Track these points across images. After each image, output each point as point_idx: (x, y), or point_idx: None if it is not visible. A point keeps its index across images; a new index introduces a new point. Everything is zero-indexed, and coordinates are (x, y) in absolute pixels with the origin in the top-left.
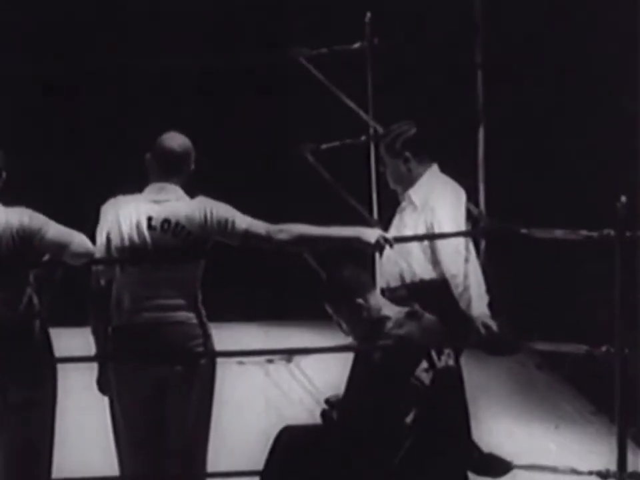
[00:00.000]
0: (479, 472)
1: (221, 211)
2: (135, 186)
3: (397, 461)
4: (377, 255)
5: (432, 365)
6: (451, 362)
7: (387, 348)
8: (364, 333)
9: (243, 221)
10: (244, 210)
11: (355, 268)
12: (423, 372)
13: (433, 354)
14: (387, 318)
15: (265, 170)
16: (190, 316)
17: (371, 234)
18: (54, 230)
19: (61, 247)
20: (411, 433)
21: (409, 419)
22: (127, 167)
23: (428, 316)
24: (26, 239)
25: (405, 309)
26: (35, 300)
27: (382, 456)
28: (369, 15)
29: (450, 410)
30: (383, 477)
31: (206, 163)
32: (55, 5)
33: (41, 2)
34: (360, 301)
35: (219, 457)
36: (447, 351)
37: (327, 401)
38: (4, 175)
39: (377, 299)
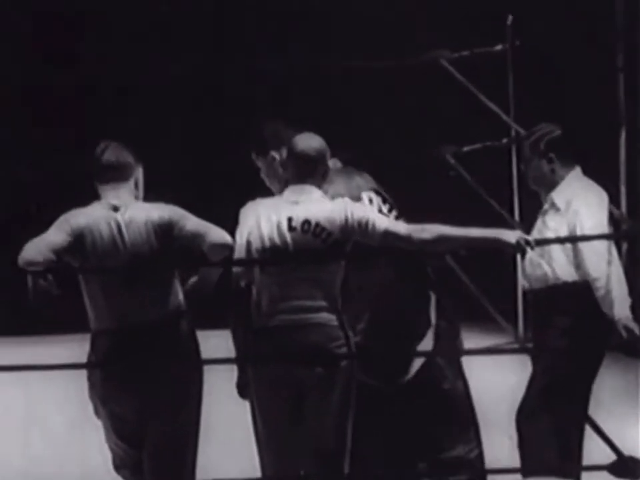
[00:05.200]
0: (617, 474)
1: (361, 212)
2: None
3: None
4: (519, 257)
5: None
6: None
7: None
8: None
9: (382, 221)
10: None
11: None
12: None
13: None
14: None
15: (405, 172)
16: (331, 318)
17: (512, 235)
18: (192, 222)
19: (199, 238)
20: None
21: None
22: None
23: None
24: (166, 232)
25: None
26: (182, 298)
27: None
28: (510, 17)
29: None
30: None
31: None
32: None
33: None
34: None
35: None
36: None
37: None
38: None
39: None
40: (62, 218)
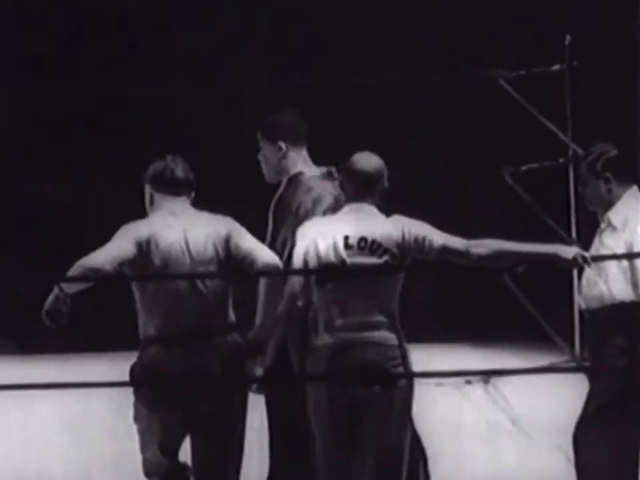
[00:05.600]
0: None
1: (417, 228)
2: None
3: None
4: (576, 275)
5: None
6: None
7: None
8: None
9: (439, 237)
10: (438, 227)
11: None
12: None
13: None
14: None
15: (463, 191)
16: (390, 336)
17: (569, 251)
18: (247, 239)
19: (250, 257)
20: None
21: None
22: None
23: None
24: (224, 244)
25: None
26: (232, 312)
27: None
28: (568, 37)
29: None
30: None
31: (410, 183)
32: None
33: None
34: None
35: None
36: None
37: None
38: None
39: None
40: (124, 229)
